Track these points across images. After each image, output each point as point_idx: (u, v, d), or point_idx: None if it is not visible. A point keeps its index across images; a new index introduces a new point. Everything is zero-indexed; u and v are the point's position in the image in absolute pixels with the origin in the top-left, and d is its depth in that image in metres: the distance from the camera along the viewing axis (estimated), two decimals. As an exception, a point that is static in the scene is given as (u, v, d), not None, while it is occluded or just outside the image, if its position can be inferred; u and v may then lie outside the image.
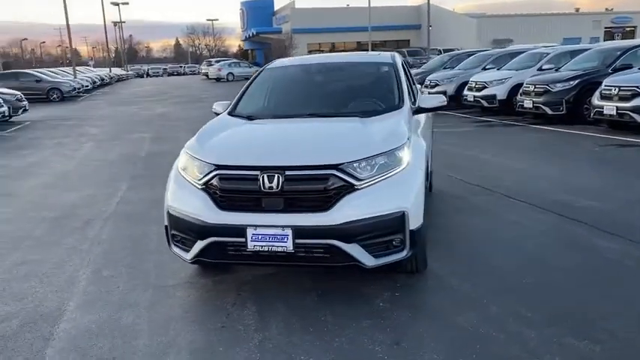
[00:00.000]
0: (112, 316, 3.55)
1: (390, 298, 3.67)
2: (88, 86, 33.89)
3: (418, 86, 6.17)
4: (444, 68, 18.78)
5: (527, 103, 12.59)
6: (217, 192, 3.53)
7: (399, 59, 5.08)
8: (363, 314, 3.43)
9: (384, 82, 4.69)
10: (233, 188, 3.50)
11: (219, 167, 3.56)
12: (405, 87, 4.61)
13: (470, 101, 15.14)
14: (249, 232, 3.39)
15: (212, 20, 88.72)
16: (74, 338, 3.29)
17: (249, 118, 4.50)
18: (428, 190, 6.10)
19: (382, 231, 3.43)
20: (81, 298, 3.85)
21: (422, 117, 4.96)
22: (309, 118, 4.31)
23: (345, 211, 3.35)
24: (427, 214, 3.79)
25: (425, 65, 21.21)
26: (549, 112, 12.07)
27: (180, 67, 75.55)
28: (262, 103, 4.81)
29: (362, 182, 3.42)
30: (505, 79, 14.27)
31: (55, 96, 26.99)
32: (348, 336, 3.17)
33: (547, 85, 12.22)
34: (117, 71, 54.56)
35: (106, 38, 55.88)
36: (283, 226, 3.35)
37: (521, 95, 12.92)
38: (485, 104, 14.59)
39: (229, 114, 4.69)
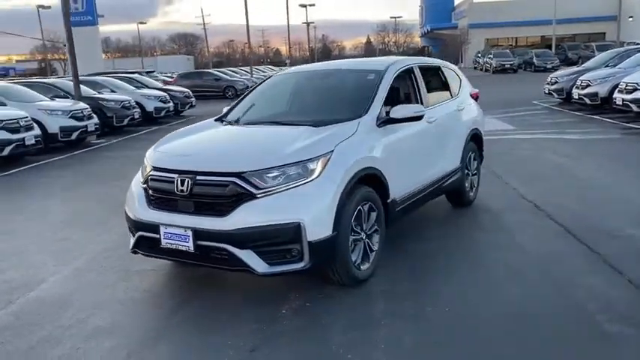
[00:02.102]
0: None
1: (299, 307, 3.71)
2: (262, 83, 36.85)
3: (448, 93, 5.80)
4: (606, 66, 16.73)
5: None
6: (149, 191, 3.94)
7: (395, 67, 4.86)
8: (255, 320, 3.55)
9: (361, 91, 4.59)
10: (157, 188, 3.87)
11: (154, 169, 3.96)
12: (380, 97, 4.47)
13: (618, 105, 13.35)
14: (162, 229, 3.73)
15: (395, 18, 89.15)
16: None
17: (229, 123, 4.81)
18: (465, 200, 5.83)
19: (277, 240, 3.51)
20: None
21: (422, 127, 4.81)
22: (266, 126, 4.48)
23: (241, 218, 3.50)
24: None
25: (586, 63, 19.06)
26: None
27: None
28: (247, 109, 5.07)
29: (262, 191, 3.53)
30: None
31: (230, 93, 29.94)
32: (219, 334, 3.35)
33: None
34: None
35: (288, 37, 59.83)
36: (185, 227, 3.62)
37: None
38: (635, 109, 12.74)
39: (217, 118, 5.04)
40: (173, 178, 3.74)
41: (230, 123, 4.80)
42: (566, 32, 46.80)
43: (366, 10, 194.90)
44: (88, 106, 13.06)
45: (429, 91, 5.36)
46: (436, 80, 5.78)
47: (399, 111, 4.40)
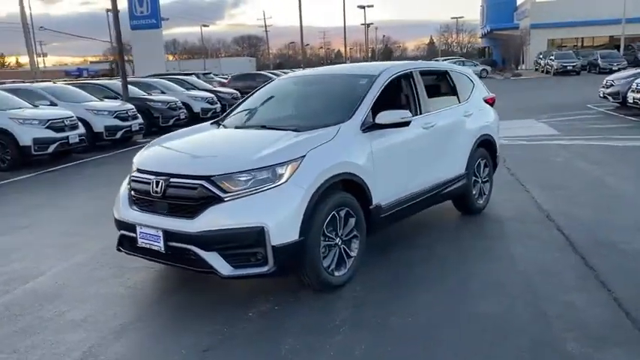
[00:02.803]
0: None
1: (267, 310, 3.75)
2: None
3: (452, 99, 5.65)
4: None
5: None
6: (132, 192, 4.09)
7: (389, 73, 4.78)
8: (222, 320, 3.61)
9: (350, 96, 4.55)
10: (137, 189, 4.02)
11: (136, 170, 4.11)
12: (367, 102, 4.42)
13: (630, 103, 13.62)
14: (138, 229, 3.86)
15: (457, 18, 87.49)
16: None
17: (224, 126, 4.90)
18: (472, 207, 5.69)
19: (241, 243, 3.56)
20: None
21: (417, 133, 4.76)
22: (254, 129, 4.55)
23: (207, 220, 3.57)
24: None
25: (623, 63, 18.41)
26: None
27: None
28: (243, 113, 5.14)
29: (229, 194, 3.59)
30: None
31: (281, 93, 30.34)
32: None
33: None
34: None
35: (345, 39, 59.73)
36: (157, 228, 3.73)
37: None
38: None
39: (215, 121, 5.14)
40: (150, 179, 3.87)
41: (225, 126, 4.90)
42: (637, 32, 44.25)
43: (429, 10, 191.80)
44: (133, 107, 13.61)
45: (431, 96, 5.26)
46: (440, 85, 5.67)
47: (384, 117, 4.35)
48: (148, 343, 3.41)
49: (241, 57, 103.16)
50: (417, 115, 4.96)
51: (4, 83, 21.38)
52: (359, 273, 4.20)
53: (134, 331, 3.54)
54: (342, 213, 3.99)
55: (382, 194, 4.38)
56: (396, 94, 4.97)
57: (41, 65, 74.02)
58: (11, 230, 6.17)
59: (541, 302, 3.68)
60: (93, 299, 4.07)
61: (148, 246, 3.82)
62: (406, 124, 4.45)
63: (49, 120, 10.61)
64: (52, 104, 12.36)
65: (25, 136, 10.30)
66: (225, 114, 5.27)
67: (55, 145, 10.57)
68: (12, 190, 8.65)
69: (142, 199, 3.97)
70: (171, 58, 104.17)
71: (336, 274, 3.99)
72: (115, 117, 12.77)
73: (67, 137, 10.86)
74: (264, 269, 3.58)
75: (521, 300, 3.74)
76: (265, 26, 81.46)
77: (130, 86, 15.72)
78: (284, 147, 3.83)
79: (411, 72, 5.09)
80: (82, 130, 11.46)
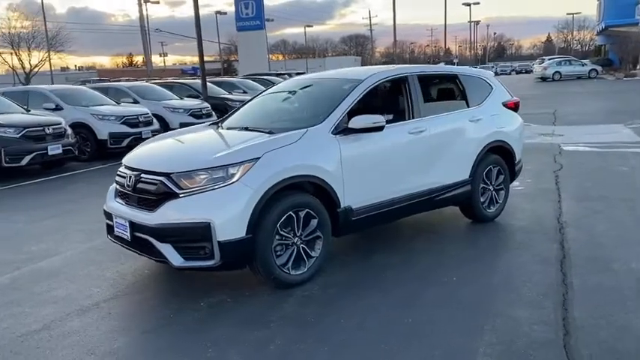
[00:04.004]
0: (69, 265, 4.94)
1: (218, 302, 3.98)
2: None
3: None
4: None
5: None
6: (117, 185, 4.50)
7: (375, 78, 4.79)
8: (176, 308, 3.90)
9: (330, 100, 4.62)
10: (118, 182, 4.43)
11: (123, 165, 4.52)
12: (344, 106, 4.47)
13: None
14: (114, 219, 4.26)
15: (573, 14, 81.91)
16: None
17: (220, 127, 5.19)
18: (480, 215, 5.55)
19: (190, 237, 3.82)
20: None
21: (403, 138, 4.76)
22: (238, 131, 4.77)
23: (164, 214, 3.88)
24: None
25: None
26: None
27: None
28: (238, 114, 5.37)
29: (184, 191, 3.86)
30: None
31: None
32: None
33: None
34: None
35: (445, 36, 58.08)
36: (125, 219, 4.10)
37: None
38: None
39: (214, 122, 5.45)
40: (127, 174, 4.25)
41: (221, 127, 5.19)
42: None
43: (545, 6, 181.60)
44: (208, 105, 14.45)
45: (430, 100, 5.20)
46: (444, 90, 5.56)
47: (357, 121, 4.39)
48: (101, 321, 3.76)
49: (347, 56, 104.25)
50: (409, 119, 4.94)
51: (119, 81, 23.58)
52: (327, 274, 4.31)
53: (97, 311, 3.92)
54: (302, 213, 4.11)
55: (354, 197, 4.43)
56: (384, 99, 4.97)
57: (161, 64, 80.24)
58: (59, 213, 6.94)
59: (483, 315, 3.57)
60: (82, 279, 4.54)
61: (120, 234, 4.20)
62: (379, 128, 4.45)
63: (124, 116, 11.61)
64: (135, 102, 13.47)
65: (104, 131, 11.37)
66: (227, 115, 5.57)
67: (129, 139, 11.53)
68: (81, 178, 9.64)
69: (121, 193, 4.37)
70: (280, 57, 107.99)
71: (293, 272, 4.12)
72: (189, 115, 13.64)
73: (141, 132, 11.81)
74: (211, 263, 3.81)
75: (466, 311, 3.65)
76: (370, 25, 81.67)
77: (212, 85, 16.69)
78: (241, 148, 4.03)
79: (405, 76, 5.06)
80: (156, 126, 12.40)
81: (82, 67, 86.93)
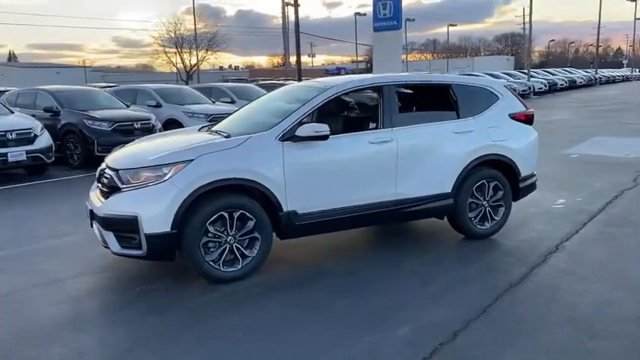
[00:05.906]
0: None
1: (154, 289, 4.38)
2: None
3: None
4: None
5: None
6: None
7: (339, 88, 4.85)
8: (120, 294, 4.40)
9: (290, 108, 4.79)
10: (96, 176, 5.01)
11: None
12: (297, 115, 4.59)
13: None
14: (87, 207, 4.86)
15: None
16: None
17: (205, 130, 5.57)
18: (468, 231, 5.36)
19: (123, 228, 4.28)
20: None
21: (362, 146, 4.79)
22: (204, 134, 5.12)
23: (108, 206, 4.38)
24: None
25: None
26: None
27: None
28: (224, 120, 5.69)
29: (125, 186, 4.33)
30: None
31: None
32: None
33: None
34: (609, 72, 51.28)
35: (597, 36, 52.68)
36: (89, 208, 4.69)
37: None
38: None
39: (204, 125, 5.81)
40: (101, 169, 4.83)
41: (207, 131, 5.56)
42: None
43: None
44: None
45: (406, 111, 5.10)
46: (428, 101, 5.37)
47: (303, 130, 4.51)
48: (53, 292, 4.35)
49: (500, 55, 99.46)
50: (377, 129, 4.93)
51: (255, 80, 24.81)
52: (276, 273, 4.56)
53: (60, 285, 4.51)
54: (236, 214, 4.35)
55: (300, 202, 4.56)
56: (350, 109, 4.99)
57: (309, 65, 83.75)
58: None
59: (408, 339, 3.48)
60: (74, 258, 5.20)
61: (89, 221, 4.80)
62: (324, 137, 4.52)
63: (210, 115, 12.49)
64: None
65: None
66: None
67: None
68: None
69: (97, 185, 4.97)
70: (429, 57, 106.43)
71: (226, 269, 4.38)
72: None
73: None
74: (140, 252, 4.24)
75: (374, 330, 3.57)
76: (524, 23, 76.80)
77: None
78: (179, 150, 4.40)
79: (380, 86, 5.03)
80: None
81: (237, 66, 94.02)
